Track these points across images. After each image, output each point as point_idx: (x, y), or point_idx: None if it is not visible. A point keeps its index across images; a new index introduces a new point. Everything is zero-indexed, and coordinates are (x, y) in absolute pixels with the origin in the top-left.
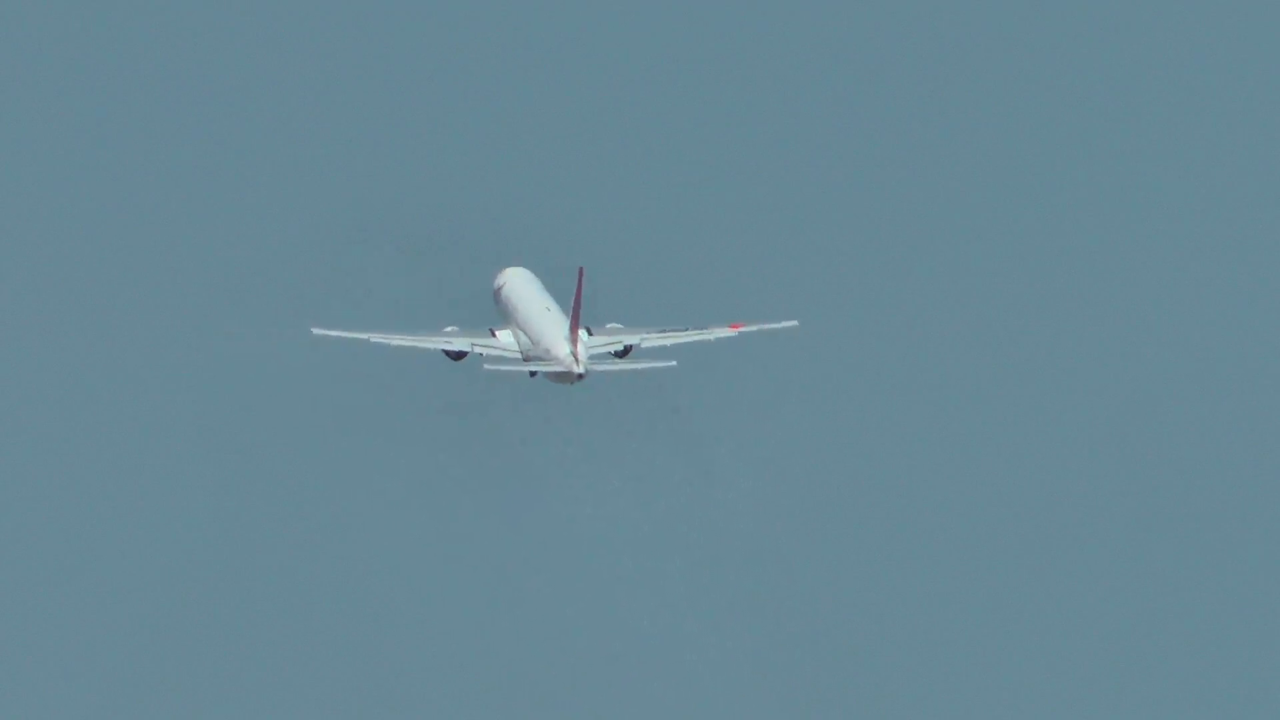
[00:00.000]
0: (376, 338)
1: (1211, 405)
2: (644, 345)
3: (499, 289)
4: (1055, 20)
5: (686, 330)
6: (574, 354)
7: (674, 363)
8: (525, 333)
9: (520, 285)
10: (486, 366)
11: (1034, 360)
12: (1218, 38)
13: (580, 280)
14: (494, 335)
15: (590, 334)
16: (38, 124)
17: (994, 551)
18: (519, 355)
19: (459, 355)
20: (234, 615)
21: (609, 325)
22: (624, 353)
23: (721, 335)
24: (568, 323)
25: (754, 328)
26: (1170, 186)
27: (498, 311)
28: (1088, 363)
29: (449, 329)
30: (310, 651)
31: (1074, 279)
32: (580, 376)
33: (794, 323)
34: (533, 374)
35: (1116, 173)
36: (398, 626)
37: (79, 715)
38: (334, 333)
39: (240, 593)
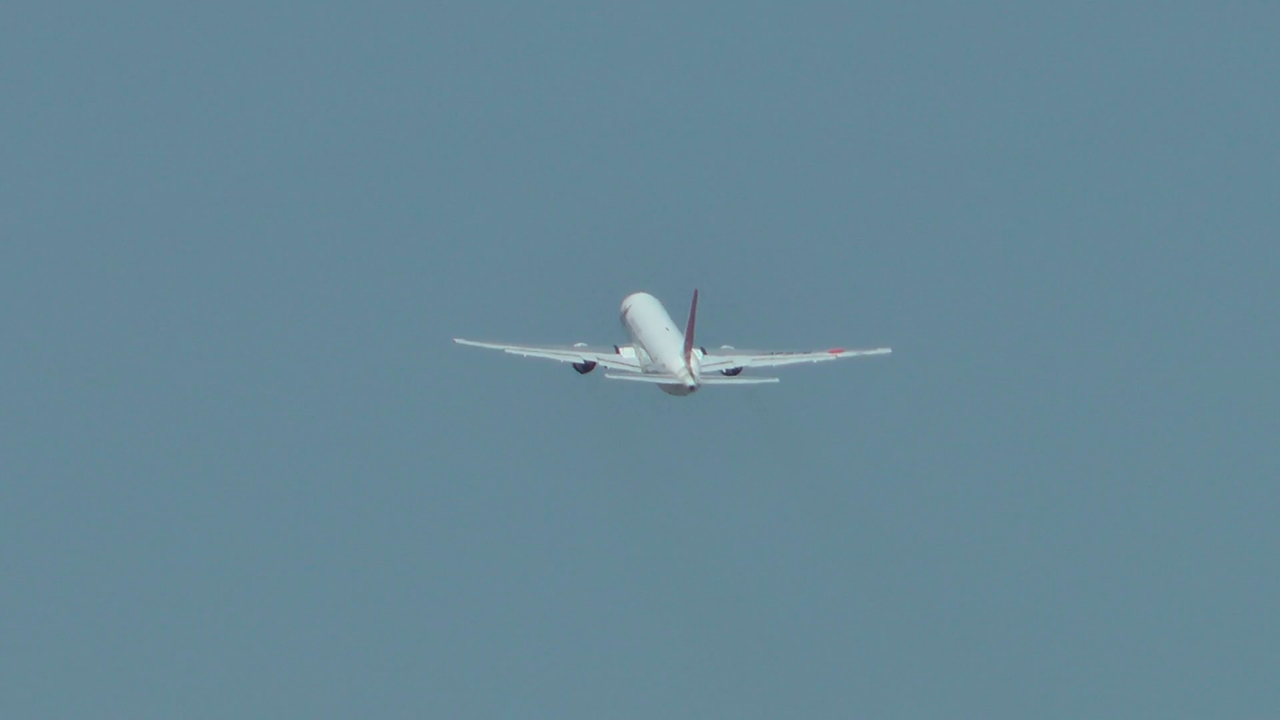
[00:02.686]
0: (512, 349)
1: None
2: (752, 365)
3: (625, 311)
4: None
5: (791, 353)
6: (687, 368)
7: (776, 380)
8: (646, 350)
9: (644, 308)
10: (608, 377)
11: (1121, 388)
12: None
13: (694, 302)
14: (618, 352)
15: (705, 354)
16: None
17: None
18: (639, 370)
19: (587, 368)
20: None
21: (723, 347)
22: (735, 372)
23: (822, 359)
24: (683, 341)
25: (852, 353)
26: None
27: (624, 331)
28: (1191, 384)
29: (578, 344)
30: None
31: (1170, 299)
32: (693, 389)
33: (887, 350)
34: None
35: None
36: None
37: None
38: (475, 343)
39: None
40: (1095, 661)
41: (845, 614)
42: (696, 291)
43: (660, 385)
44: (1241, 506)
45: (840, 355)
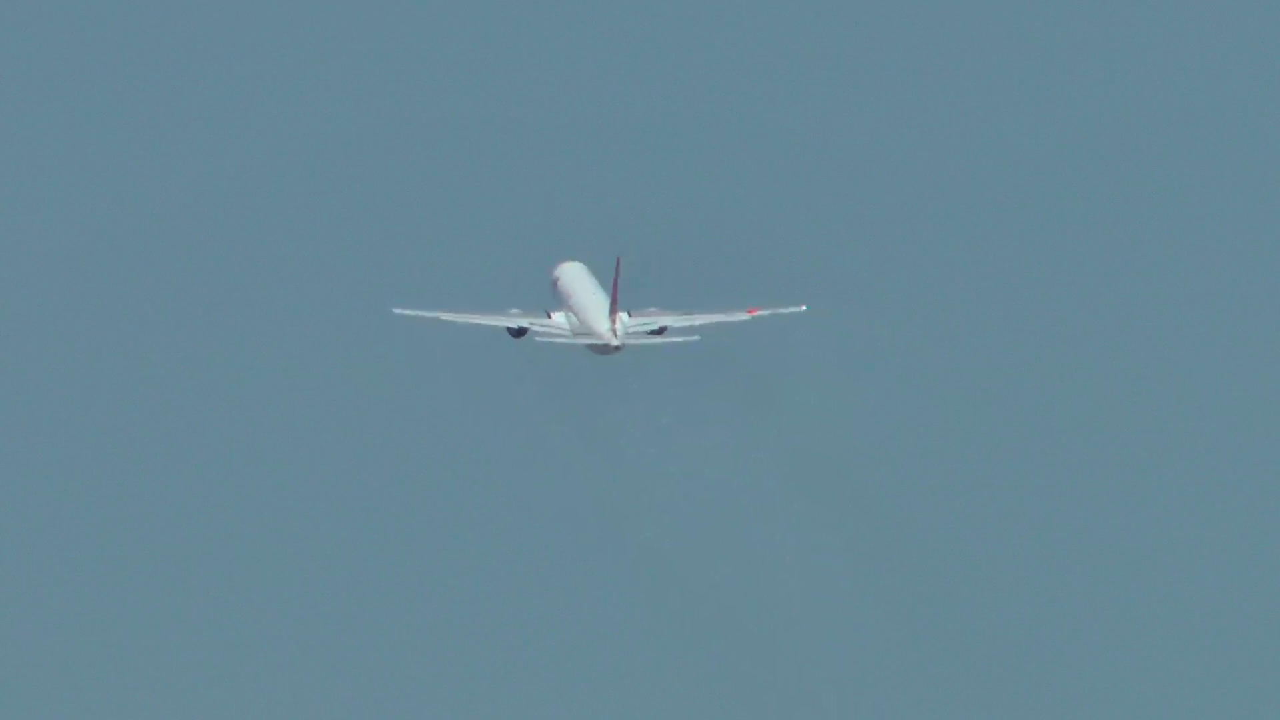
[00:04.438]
0: (449, 316)
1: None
2: (676, 325)
3: (556, 279)
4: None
5: (712, 314)
6: (612, 329)
7: (697, 338)
8: (575, 314)
9: (573, 275)
10: (539, 340)
11: (1037, 354)
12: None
13: (617, 268)
14: (550, 317)
15: (630, 315)
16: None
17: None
18: (569, 332)
19: (520, 332)
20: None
21: (648, 309)
22: (659, 332)
23: (739, 318)
24: (609, 304)
25: (767, 312)
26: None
27: (555, 297)
28: (1099, 353)
29: (513, 311)
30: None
31: (1083, 270)
32: (617, 348)
33: (802, 307)
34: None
35: (1133, 163)
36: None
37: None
38: (413, 311)
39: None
40: (1043, 628)
41: (776, 568)
42: (619, 259)
43: (588, 345)
44: (1192, 473)
45: (756, 314)
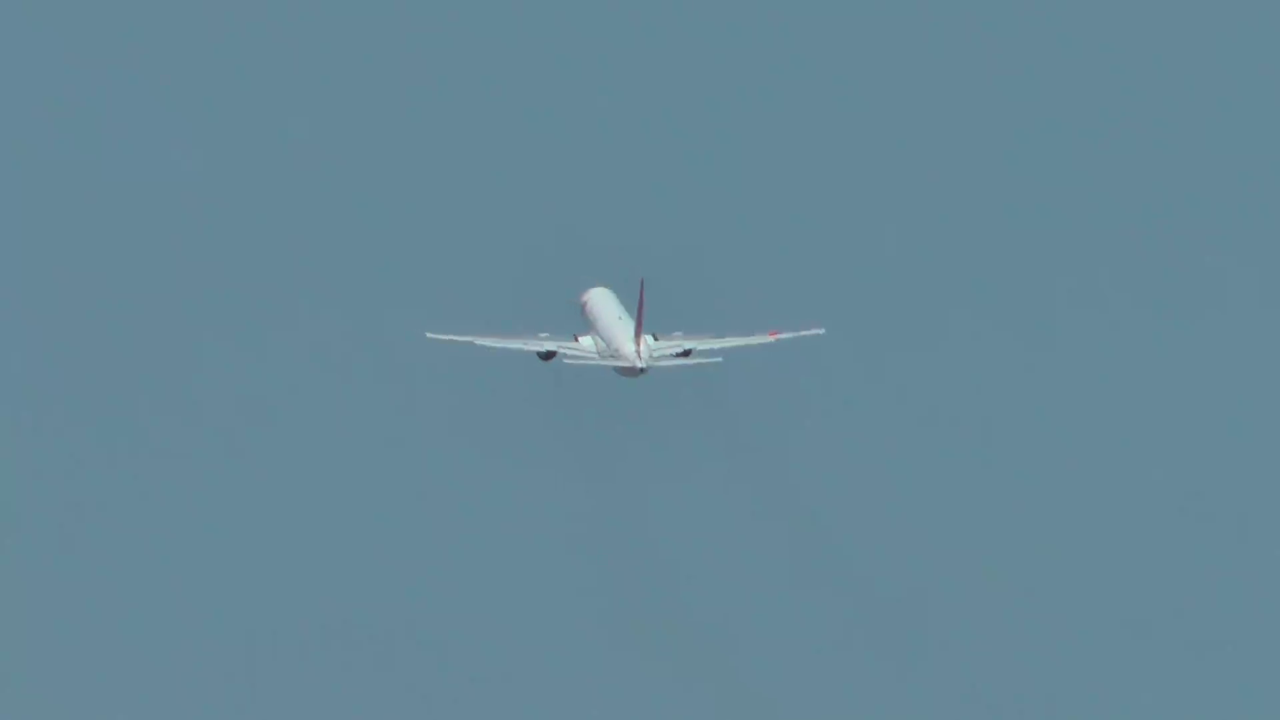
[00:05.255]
0: (481, 340)
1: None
2: (700, 348)
3: (584, 304)
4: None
5: (733, 337)
6: (637, 351)
7: (720, 360)
8: (602, 337)
9: (600, 301)
10: (567, 362)
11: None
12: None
13: (641, 291)
14: (577, 340)
15: (656, 339)
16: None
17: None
18: (595, 355)
19: (549, 355)
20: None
21: (674, 333)
22: (685, 354)
23: (762, 341)
24: (634, 327)
25: (788, 334)
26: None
27: (583, 321)
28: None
29: (542, 335)
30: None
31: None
32: (643, 370)
33: (820, 330)
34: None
35: (1143, 179)
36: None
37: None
38: (446, 336)
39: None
40: (1036, 648)
41: (788, 599)
42: (643, 281)
43: (615, 368)
44: (1181, 479)
45: (778, 337)
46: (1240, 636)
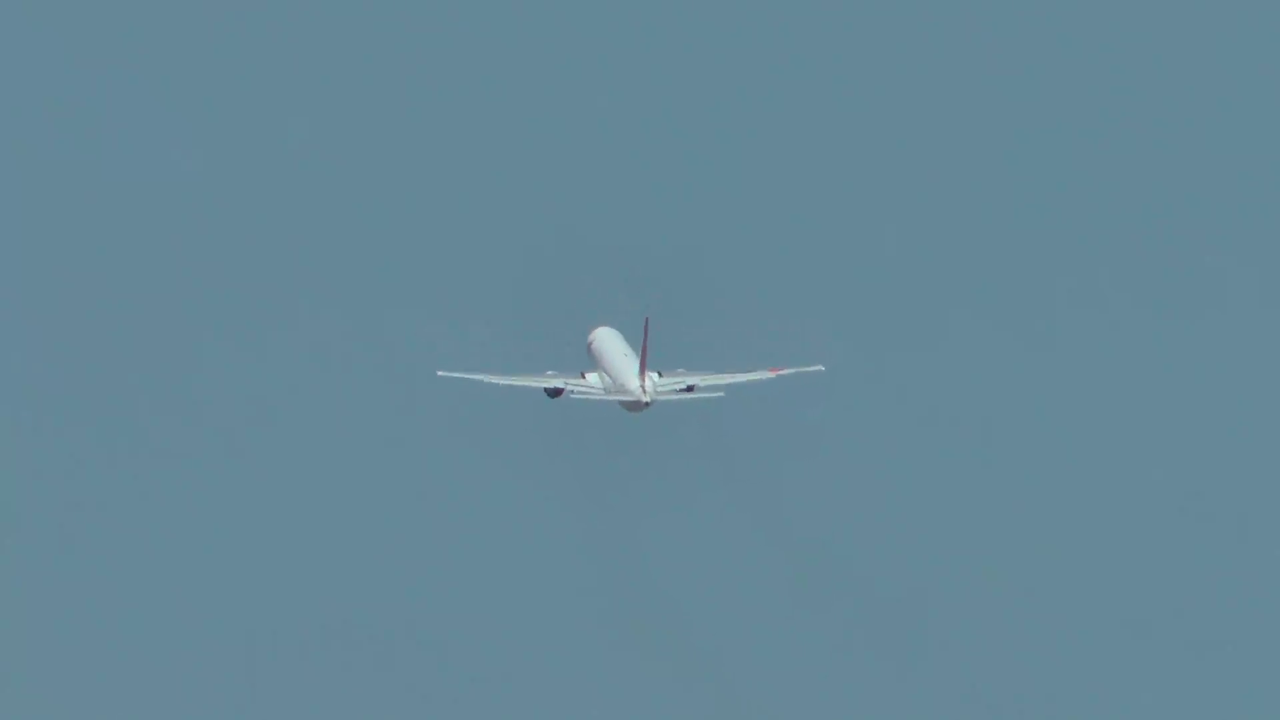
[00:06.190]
0: (490, 378)
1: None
2: (702, 384)
3: (590, 342)
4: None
5: (736, 373)
6: (641, 386)
7: (722, 394)
8: (608, 374)
9: (606, 339)
10: (574, 397)
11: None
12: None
13: (645, 328)
14: (584, 377)
15: (660, 375)
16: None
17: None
18: (602, 391)
19: (556, 392)
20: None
21: (678, 370)
22: (688, 390)
23: (763, 377)
24: (639, 363)
25: (789, 371)
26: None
27: (589, 359)
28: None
29: (549, 372)
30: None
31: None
32: (647, 404)
33: (820, 367)
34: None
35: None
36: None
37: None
38: (456, 374)
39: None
40: (1050, 674)
41: (791, 626)
42: (647, 319)
43: (620, 402)
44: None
45: (779, 374)
46: (1240, 636)
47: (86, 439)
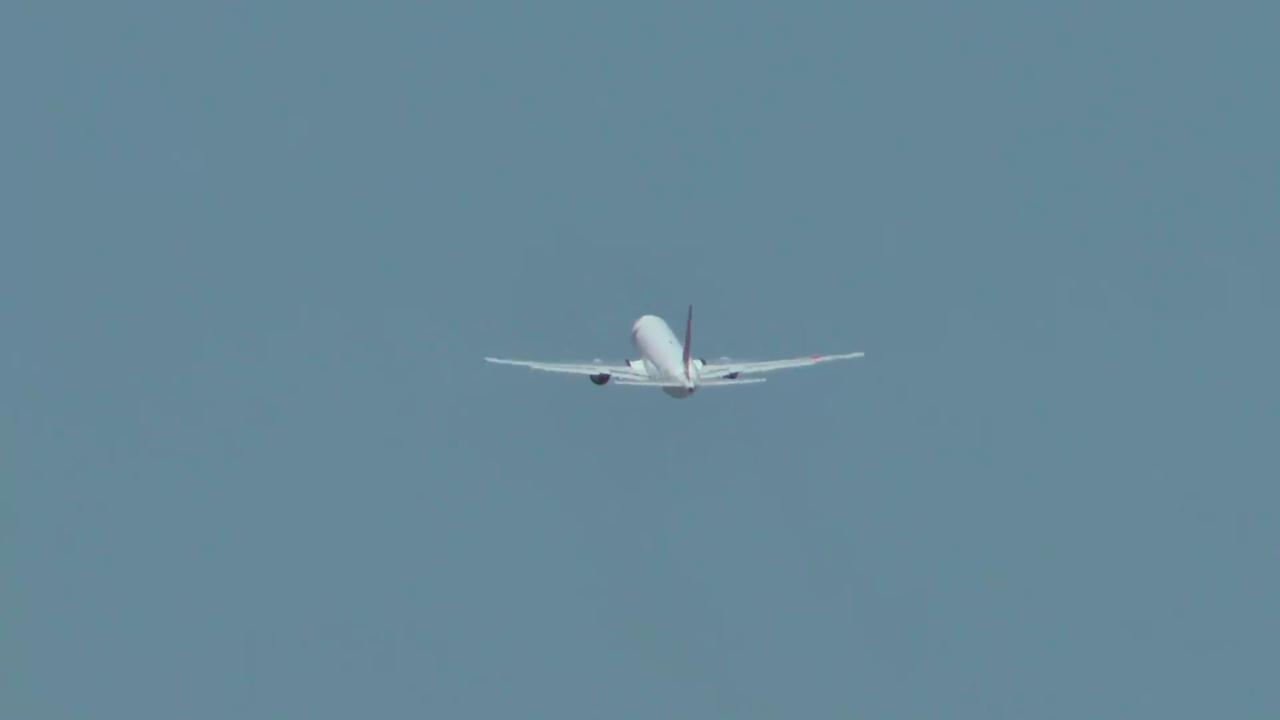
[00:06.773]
0: (537, 365)
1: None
2: (745, 371)
3: (635, 331)
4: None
5: (778, 360)
6: (685, 373)
7: (764, 379)
8: (653, 361)
9: (651, 327)
10: (619, 383)
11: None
12: None
13: (689, 316)
14: (629, 365)
15: (704, 363)
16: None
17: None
18: (647, 378)
19: (602, 379)
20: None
21: (721, 357)
22: (732, 377)
23: (804, 364)
24: (683, 350)
25: (830, 358)
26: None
27: (634, 347)
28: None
29: (596, 360)
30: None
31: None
32: (692, 390)
33: (860, 354)
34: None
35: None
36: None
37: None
38: (504, 361)
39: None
40: (1074, 670)
41: (823, 619)
42: (690, 307)
43: (665, 388)
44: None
45: (819, 360)
46: (1240, 636)
47: (86, 439)
